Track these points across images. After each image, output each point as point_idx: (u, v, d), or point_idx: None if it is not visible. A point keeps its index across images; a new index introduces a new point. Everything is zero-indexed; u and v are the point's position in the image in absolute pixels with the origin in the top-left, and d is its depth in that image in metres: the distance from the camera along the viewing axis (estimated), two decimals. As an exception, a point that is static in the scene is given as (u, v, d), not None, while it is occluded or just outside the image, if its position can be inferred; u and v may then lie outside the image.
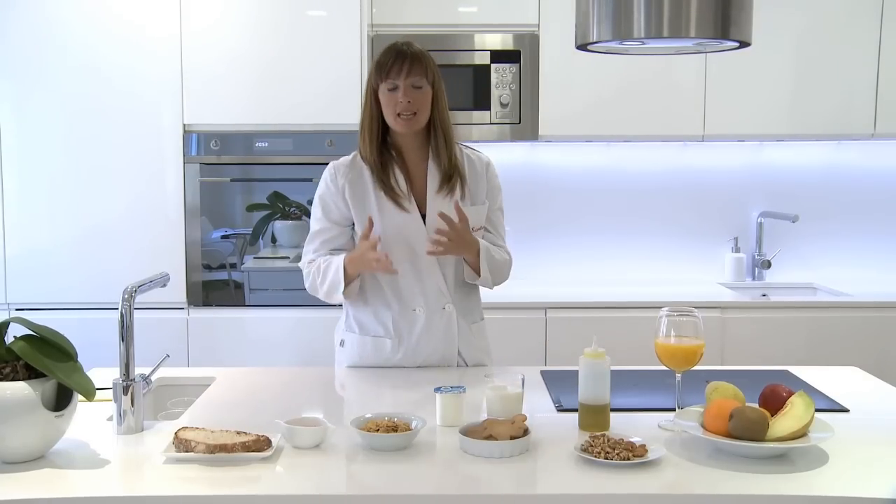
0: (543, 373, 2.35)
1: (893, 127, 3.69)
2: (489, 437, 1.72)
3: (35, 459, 1.70)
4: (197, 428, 1.78)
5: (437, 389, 1.93)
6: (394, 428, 1.76)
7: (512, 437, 1.72)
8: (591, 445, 1.71)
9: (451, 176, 2.37)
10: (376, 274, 2.36)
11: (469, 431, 1.76)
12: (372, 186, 2.36)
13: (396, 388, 2.27)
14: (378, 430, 1.76)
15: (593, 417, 1.87)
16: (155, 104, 3.41)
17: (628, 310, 3.46)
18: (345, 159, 2.42)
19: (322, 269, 2.36)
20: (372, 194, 2.36)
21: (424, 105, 2.31)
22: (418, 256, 2.35)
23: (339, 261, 2.32)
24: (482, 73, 3.60)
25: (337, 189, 2.38)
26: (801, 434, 1.72)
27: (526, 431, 1.76)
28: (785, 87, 3.68)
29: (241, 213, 3.55)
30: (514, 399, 1.90)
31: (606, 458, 1.66)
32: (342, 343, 2.49)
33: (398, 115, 2.30)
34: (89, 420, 1.91)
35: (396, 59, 2.29)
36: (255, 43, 3.40)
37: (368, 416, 1.83)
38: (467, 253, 2.33)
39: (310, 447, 1.77)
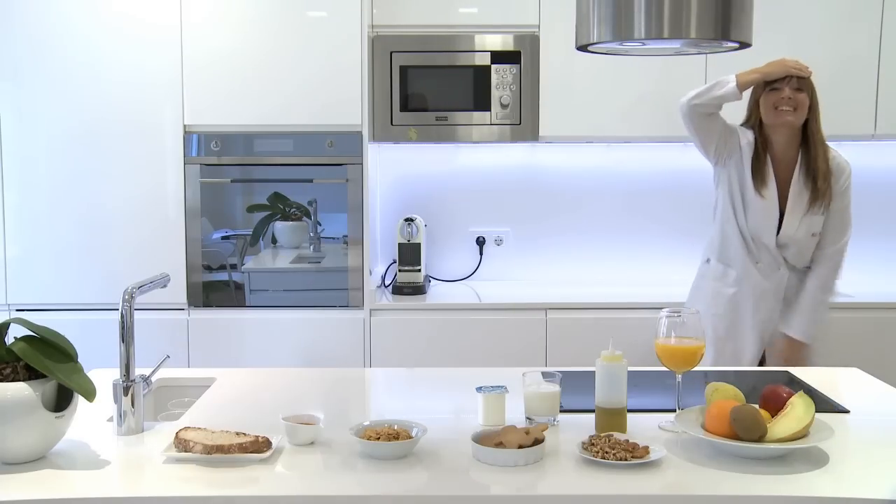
0: (544, 374, 2.34)
1: (893, 127, 3.69)
2: (499, 445, 1.72)
3: (35, 460, 1.70)
4: (198, 428, 1.78)
5: (479, 389, 1.93)
6: (395, 436, 1.75)
7: (520, 446, 1.71)
8: (592, 445, 1.71)
9: (814, 182, 2.89)
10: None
11: (481, 438, 1.75)
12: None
13: (399, 389, 2.27)
14: (378, 437, 1.74)
15: (609, 420, 1.87)
16: (155, 105, 3.41)
17: (629, 310, 3.46)
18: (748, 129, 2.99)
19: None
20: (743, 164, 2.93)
21: (801, 105, 2.89)
22: (738, 216, 2.99)
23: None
24: (482, 73, 3.60)
25: (736, 138, 2.97)
26: (801, 435, 1.72)
27: (537, 441, 1.73)
28: (785, 87, 3.68)
29: (242, 214, 3.55)
30: (551, 397, 1.91)
31: (604, 458, 1.66)
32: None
33: (775, 108, 2.89)
34: (90, 421, 1.91)
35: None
36: (255, 44, 3.40)
37: (367, 423, 1.81)
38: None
39: (307, 443, 1.78)
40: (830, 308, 3.56)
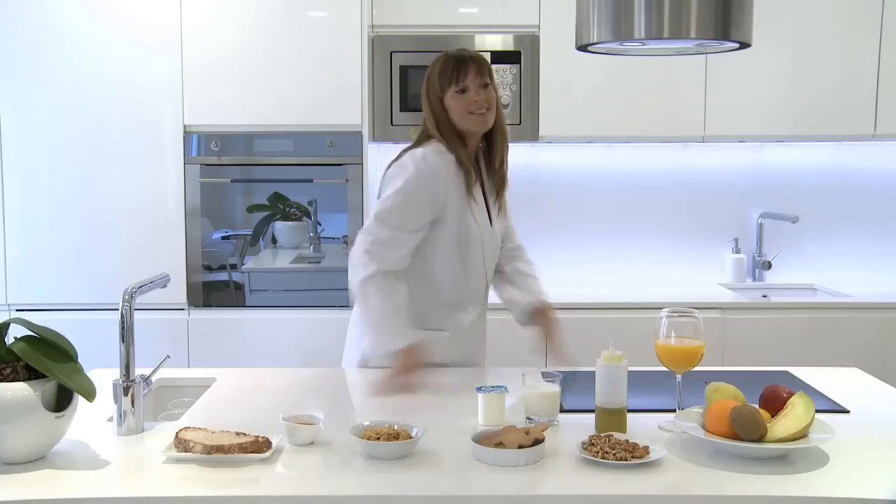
0: (544, 374, 2.34)
1: (893, 127, 3.69)
2: (499, 445, 1.72)
3: (35, 460, 1.70)
4: (198, 428, 1.78)
5: (479, 389, 1.93)
6: (395, 436, 1.75)
7: (520, 446, 1.71)
8: (592, 445, 1.71)
9: (503, 179, 2.48)
10: (432, 274, 2.38)
11: (482, 438, 1.75)
12: (464, 188, 2.36)
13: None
14: (378, 437, 1.74)
15: (609, 420, 1.86)
16: (155, 105, 3.41)
17: (628, 310, 3.46)
18: (438, 153, 2.33)
19: (389, 311, 2.26)
20: (465, 196, 2.36)
21: (493, 103, 2.36)
22: (474, 259, 2.40)
23: (395, 342, 2.23)
24: (482, 73, 3.60)
25: (444, 185, 2.33)
26: (801, 435, 1.72)
27: (537, 441, 1.72)
28: (785, 87, 3.68)
29: (242, 214, 3.55)
30: (551, 397, 1.91)
31: (604, 458, 1.66)
32: None
33: (471, 112, 2.32)
34: (89, 421, 1.91)
35: (462, 62, 2.34)
36: (255, 44, 3.40)
37: (367, 423, 1.81)
38: None
39: (307, 443, 1.78)
40: (832, 308, 3.59)
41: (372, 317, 2.29)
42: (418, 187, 2.31)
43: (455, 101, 2.34)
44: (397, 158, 2.41)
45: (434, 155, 2.33)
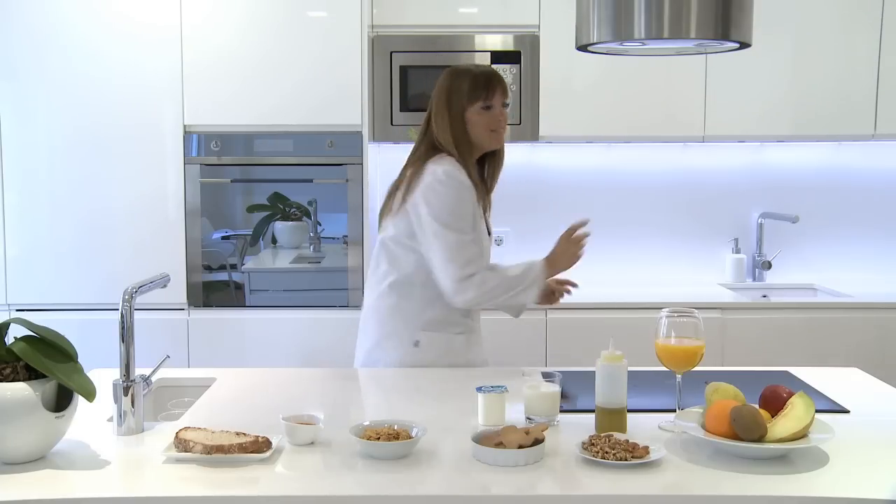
0: (544, 374, 2.34)
1: (893, 127, 3.69)
2: (499, 445, 1.71)
3: (35, 460, 1.70)
4: (198, 428, 1.78)
5: (479, 389, 1.93)
6: (395, 436, 1.75)
7: (520, 446, 1.70)
8: (592, 445, 1.71)
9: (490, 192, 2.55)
10: None
11: (482, 438, 1.75)
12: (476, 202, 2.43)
13: (398, 389, 2.27)
14: (378, 437, 1.73)
15: (609, 420, 1.86)
16: (155, 106, 3.41)
17: (628, 311, 3.46)
18: (458, 169, 2.37)
19: (517, 274, 2.40)
20: (479, 209, 2.44)
21: (507, 123, 2.47)
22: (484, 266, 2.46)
23: (538, 265, 2.43)
24: (482, 73, 3.60)
25: (472, 198, 2.40)
26: (801, 435, 1.72)
27: (537, 441, 1.72)
28: (785, 87, 3.68)
29: (242, 214, 3.55)
30: (551, 397, 1.91)
31: (604, 458, 1.66)
32: (417, 343, 2.42)
33: (492, 130, 2.41)
34: (89, 421, 1.91)
35: (491, 80, 2.41)
36: (255, 44, 3.40)
37: (367, 423, 1.81)
38: None
39: (307, 443, 1.78)
40: (832, 308, 3.59)
41: (506, 290, 2.38)
42: (459, 212, 2.35)
43: (479, 117, 2.40)
44: (417, 173, 2.39)
45: (456, 172, 2.37)
